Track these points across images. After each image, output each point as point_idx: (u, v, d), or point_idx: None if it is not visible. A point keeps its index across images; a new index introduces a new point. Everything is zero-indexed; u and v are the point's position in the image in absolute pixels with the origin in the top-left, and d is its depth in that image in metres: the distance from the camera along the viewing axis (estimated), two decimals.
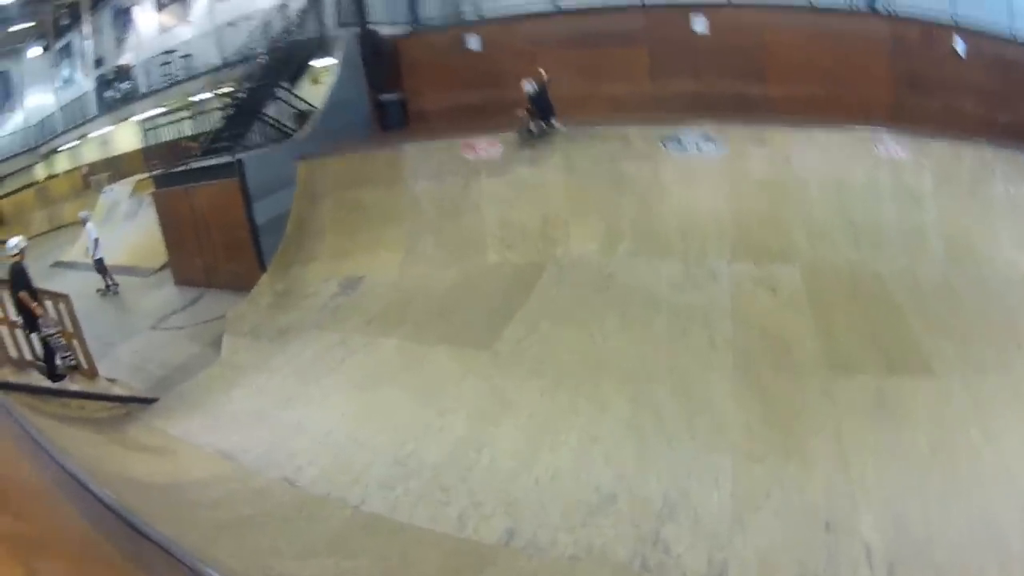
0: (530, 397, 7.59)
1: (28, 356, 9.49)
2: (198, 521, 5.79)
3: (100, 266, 15.04)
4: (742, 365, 7.53)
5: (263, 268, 12.03)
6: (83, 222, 15.71)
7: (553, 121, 11.83)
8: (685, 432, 6.68)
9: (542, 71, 11.97)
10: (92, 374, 9.92)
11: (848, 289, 8.81)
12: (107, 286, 15.02)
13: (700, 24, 14.17)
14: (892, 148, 10.42)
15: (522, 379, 7.94)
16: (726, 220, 10.22)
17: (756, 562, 5.25)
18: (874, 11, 13.92)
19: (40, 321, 9.29)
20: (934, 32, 13.31)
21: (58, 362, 9.59)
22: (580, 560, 5.49)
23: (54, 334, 9.46)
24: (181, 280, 14.05)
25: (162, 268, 15.11)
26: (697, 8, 14.20)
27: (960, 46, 13.15)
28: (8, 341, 9.22)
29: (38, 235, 25.55)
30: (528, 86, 11.81)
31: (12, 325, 9.34)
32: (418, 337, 9.10)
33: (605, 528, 5.73)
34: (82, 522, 3.31)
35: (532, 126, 11.78)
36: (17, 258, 9.37)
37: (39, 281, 9.95)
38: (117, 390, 9.88)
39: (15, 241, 9.55)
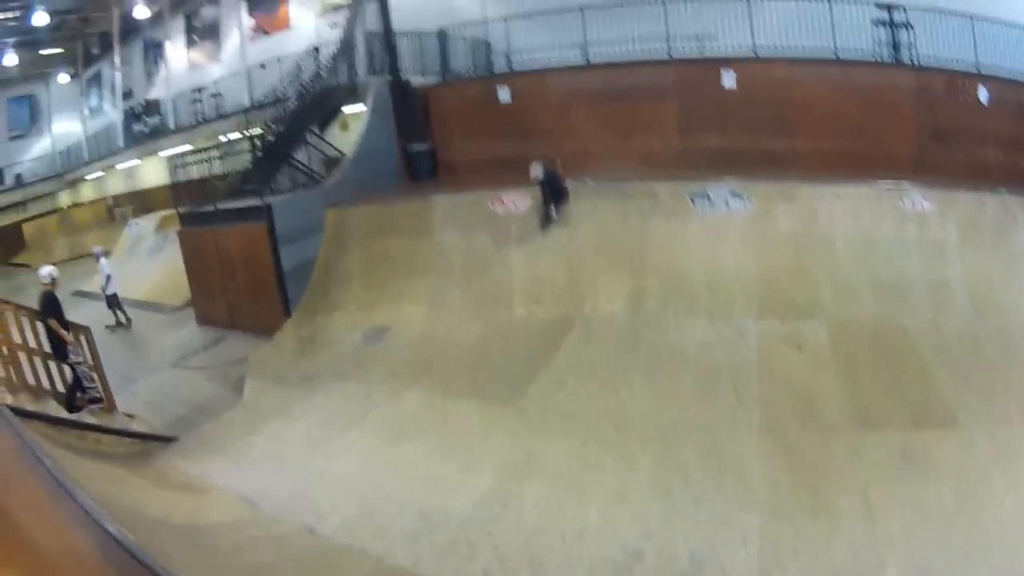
0: (556, 453, 7.60)
1: (47, 385, 9.57)
2: (217, 566, 5.80)
3: (113, 301, 15.23)
4: (769, 422, 7.54)
5: (288, 313, 12.15)
6: (97, 258, 15.97)
7: (560, 208, 11.54)
8: (712, 490, 6.67)
9: (558, 160, 11.90)
10: (110, 408, 9.97)
11: (873, 343, 8.81)
12: (117, 322, 15.19)
13: (730, 79, 14.33)
14: (917, 200, 10.44)
15: (549, 435, 7.96)
16: (753, 276, 10.26)
17: None
18: (899, 62, 14.05)
19: (69, 349, 9.45)
20: (958, 81, 13.40)
21: (79, 393, 9.71)
22: None
23: (81, 363, 9.60)
24: (203, 320, 14.17)
25: (184, 306, 15.26)
26: (726, 62, 14.35)
27: (984, 95, 13.23)
28: (27, 368, 9.27)
29: (60, 262, 25.86)
30: (535, 170, 11.55)
31: (32, 352, 9.42)
32: (444, 391, 9.13)
33: None
34: (96, 557, 3.30)
35: (547, 212, 11.55)
36: (49, 287, 9.55)
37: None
38: (135, 426, 9.90)
39: (48, 270, 9.78)
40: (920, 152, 13.26)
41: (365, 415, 8.99)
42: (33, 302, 11.21)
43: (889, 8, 14.16)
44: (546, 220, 11.42)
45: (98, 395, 9.89)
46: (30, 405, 8.67)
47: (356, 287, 11.98)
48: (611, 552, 6.08)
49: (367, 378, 9.80)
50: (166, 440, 9.53)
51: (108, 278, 15.09)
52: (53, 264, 12.52)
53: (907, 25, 14.08)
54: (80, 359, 9.65)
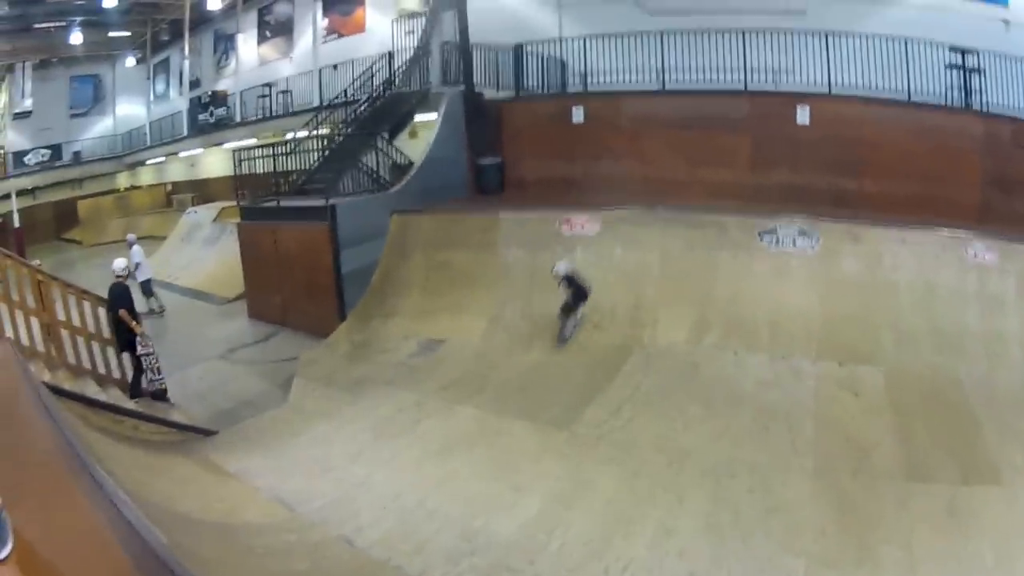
0: (607, 482, 7.51)
1: (101, 368, 9.81)
2: (249, 569, 5.83)
3: (146, 288, 15.52)
4: (820, 467, 7.42)
5: (342, 316, 12.31)
6: (129, 245, 16.21)
7: (577, 320, 10.72)
8: (761, 531, 6.53)
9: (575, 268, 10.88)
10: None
11: (929, 394, 8.66)
12: (150, 309, 15.50)
13: (804, 114, 14.22)
14: (979, 251, 10.24)
15: (600, 463, 7.88)
16: (814, 317, 10.18)
17: None
18: (969, 107, 13.84)
19: (138, 340, 9.73)
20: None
21: (144, 384, 9.91)
22: None
23: (150, 354, 9.85)
24: (255, 314, 14.42)
25: (237, 299, 15.53)
26: (801, 97, 14.26)
27: None
28: (70, 347, 9.51)
29: (111, 243, 26.60)
30: (561, 267, 10.64)
31: (77, 331, 9.66)
32: (496, 409, 9.12)
33: None
34: (120, 553, 3.24)
35: (567, 326, 10.66)
36: (122, 278, 9.81)
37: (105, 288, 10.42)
38: (176, 416, 10.02)
39: (122, 263, 10.05)
40: (984, 200, 13.03)
41: (414, 426, 9.00)
42: (81, 279, 11.54)
43: (963, 52, 13.99)
44: (561, 338, 10.60)
45: (163, 386, 10.17)
46: (68, 384, 8.84)
47: (415, 296, 12.08)
48: None
49: (419, 388, 9.83)
50: (206, 433, 9.64)
51: (138, 265, 15.30)
52: (101, 243, 12.90)
53: (979, 70, 13.90)
54: (149, 351, 9.92)
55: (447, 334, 11.11)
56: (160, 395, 10.23)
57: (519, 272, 11.58)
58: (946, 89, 14.08)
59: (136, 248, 15.93)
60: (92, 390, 9.22)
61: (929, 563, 6.00)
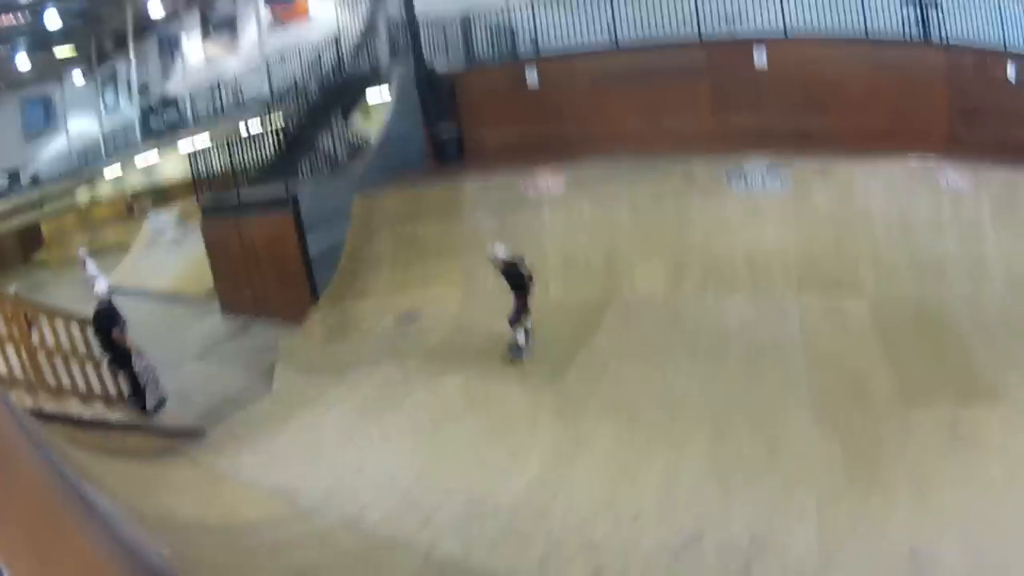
0: (605, 436, 7.35)
1: (100, 390, 9.44)
2: (258, 570, 5.56)
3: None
4: (818, 399, 7.31)
5: (316, 300, 11.96)
6: (81, 261, 15.28)
7: (523, 325, 9.24)
8: (766, 468, 6.44)
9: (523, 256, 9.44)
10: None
11: (915, 321, 8.62)
12: None
13: (761, 58, 14.01)
14: (951, 178, 10.23)
15: (595, 417, 7.71)
16: (792, 254, 10.08)
17: None
18: (928, 41, 13.71)
19: (133, 358, 9.39)
20: (987, 60, 13.11)
21: (148, 395, 9.62)
22: None
23: (147, 366, 9.57)
24: (228, 310, 14.02)
25: (208, 297, 15.09)
26: (759, 42, 14.01)
27: (1012, 73, 12.92)
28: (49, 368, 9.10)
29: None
30: (499, 250, 9.29)
31: (52, 352, 9.19)
32: (483, 374, 8.87)
33: (693, 569, 5.48)
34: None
35: (517, 337, 9.25)
36: (107, 301, 9.47)
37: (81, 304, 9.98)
38: (162, 421, 9.62)
39: (104, 285, 9.76)
40: (952, 130, 12.96)
41: (402, 401, 8.73)
42: (56, 300, 11.09)
43: None
44: (514, 351, 9.21)
45: (164, 396, 9.87)
46: (51, 405, 8.41)
47: (386, 272, 11.75)
48: (669, 535, 5.84)
49: (402, 363, 9.53)
50: (194, 434, 9.32)
51: (94, 278, 14.56)
52: (78, 259, 12.49)
53: (936, 3, 13.73)
54: (145, 363, 9.62)
55: (423, 306, 10.82)
56: (162, 404, 9.90)
57: (488, 237, 11.00)
58: (904, 24, 13.88)
59: (89, 262, 15.19)
60: (76, 409, 8.73)
61: (940, 486, 5.91)
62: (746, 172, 10.92)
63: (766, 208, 10.60)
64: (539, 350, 9.10)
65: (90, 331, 9.51)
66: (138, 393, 9.56)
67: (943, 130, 12.95)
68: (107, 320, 9.36)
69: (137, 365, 9.51)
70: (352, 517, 6.65)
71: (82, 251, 15.73)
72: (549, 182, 11.35)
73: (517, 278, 9.18)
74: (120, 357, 9.44)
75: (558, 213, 11.13)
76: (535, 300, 9.28)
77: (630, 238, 10.75)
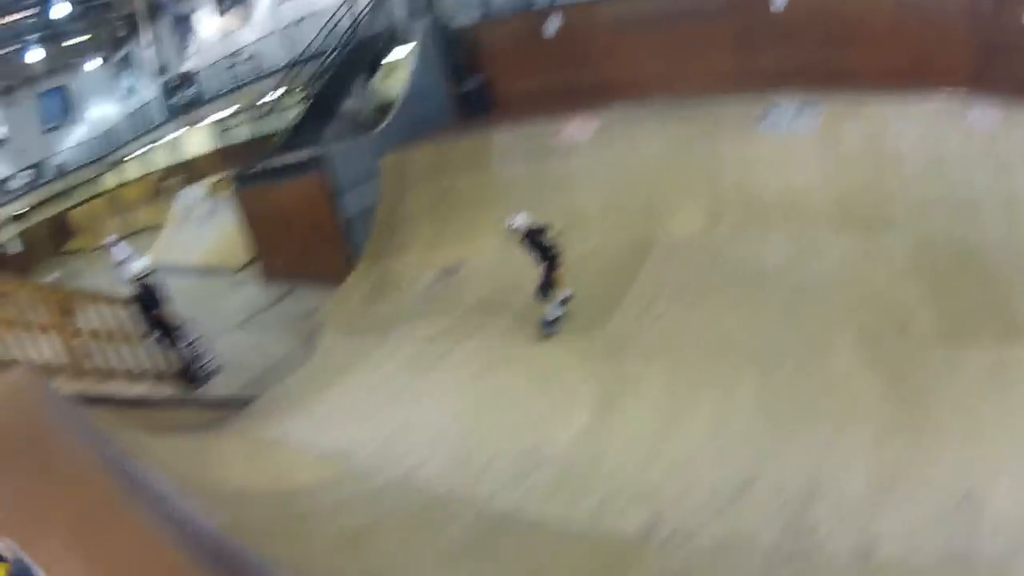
0: (652, 380, 7.25)
1: (157, 369, 9.57)
2: (313, 535, 5.59)
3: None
4: (863, 339, 7.12)
5: (353, 261, 11.93)
6: (111, 247, 14.95)
7: (553, 299, 8.65)
8: (816, 409, 6.32)
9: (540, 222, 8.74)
10: (182, 379, 9.86)
11: (953, 259, 8.35)
12: None
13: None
14: (980, 117, 9.82)
15: (642, 361, 7.61)
16: (826, 192, 9.79)
17: (901, 541, 4.92)
18: None
19: (177, 333, 9.52)
20: None
21: (198, 367, 9.86)
22: (727, 550, 5.16)
23: (193, 342, 9.73)
24: (267, 278, 14.02)
25: (245, 267, 15.10)
26: None
27: None
28: (106, 356, 9.16)
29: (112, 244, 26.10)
30: (520, 220, 8.57)
31: (95, 335, 9.28)
32: (527, 323, 8.76)
33: (747, 513, 5.41)
34: (174, 551, 3.01)
35: (549, 311, 8.67)
36: (146, 280, 9.50)
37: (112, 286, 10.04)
38: (208, 394, 9.79)
39: (140, 265, 9.77)
40: (976, 68, 12.47)
41: (448, 355, 8.71)
42: (91, 286, 11.15)
43: None
44: (546, 325, 8.65)
45: (213, 368, 10.07)
46: (97, 389, 8.53)
47: (422, 227, 11.65)
48: (722, 479, 5.79)
49: (445, 317, 9.50)
50: (241, 404, 9.37)
51: (125, 260, 14.17)
52: (100, 245, 12.47)
53: None
54: (193, 336, 9.80)
55: (462, 259, 10.72)
56: (214, 374, 10.08)
57: (523, 185, 11.10)
58: None
59: (118, 247, 15.01)
60: (122, 389, 8.87)
61: (990, 426, 5.76)
62: (775, 111, 10.65)
63: (798, 147, 10.29)
64: (582, 297, 8.93)
65: (132, 311, 9.56)
66: (188, 367, 9.70)
67: (967, 68, 12.50)
68: (149, 299, 9.40)
69: (184, 339, 9.61)
70: (404, 475, 6.69)
71: (110, 238, 15.46)
72: (578, 129, 11.13)
73: (543, 248, 8.50)
74: (167, 333, 9.50)
75: (590, 159, 10.91)
76: (564, 270, 8.55)
77: (664, 181, 10.49)
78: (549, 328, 8.61)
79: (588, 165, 10.85)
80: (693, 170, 10.51)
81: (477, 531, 5.78)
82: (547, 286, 8.58)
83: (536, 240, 8.53)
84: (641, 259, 9.48)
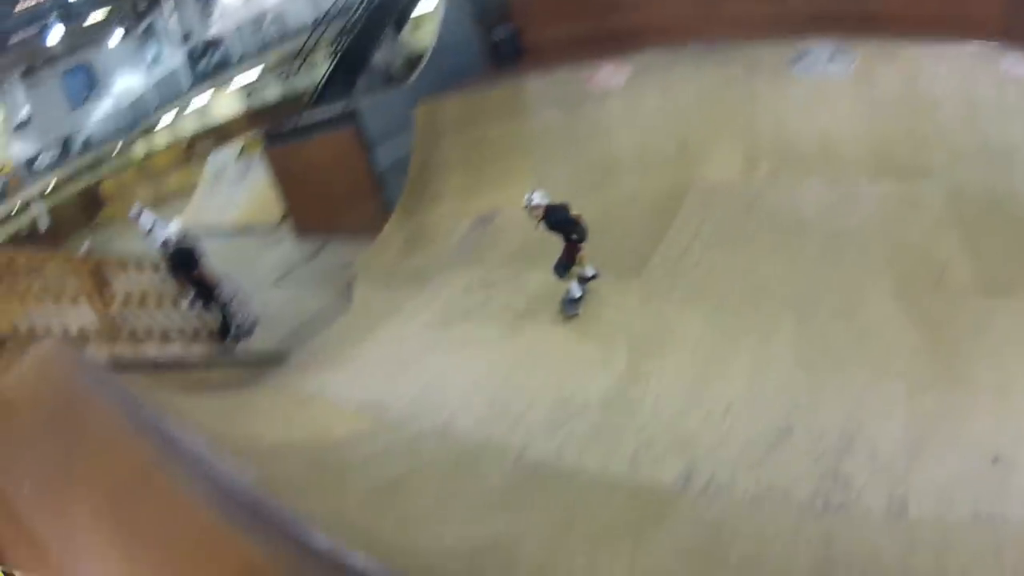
0: (690, 326, 7.13)
1: (191, 330, 9.68)
2: (348, 486, 5.59)
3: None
4: (900, 288, 6.93)
5: (388, 213, 11.83)
6: (134, 218, 14.32)
7: (574, 276, 7.91)
8: (853, 358, 6.17)
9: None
10: (215, 338, 9.93)
11: (990, 209, 8.03)
12: None
13: None
14: (1013, 66, 9.38)
15: (680, 306, 7.48)
16: (862, 139, 9.44)
17: (933, 498, 4.81)
18: None
19: (218, 289, 9.62)
20: None
21: (238, 323, 9.93)
22: (762, 501, 5.10)
23: (232, 300, 9.82)
24: (301, 234, 14.05)
25: (279, 224, 15.14)
26: None
27: None
28: (138, 320, 9.28)
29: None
30: (537, 197, 7.76)
31: (128, 300, 9.40)
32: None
33: (784, 465, 5.33)
34: (208, 514, 2.96)
35: (571, 289, 7.95)
36: (181, 243, 9.63)
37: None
38: (243, 352, 9.85)
39: (174, 228, 9.86)
40: (1006, 18, 11.97)
41: (484, 303, 8.64)
42: (124, 253, 11.20)
43: None
44: (568, 305, 7.95)
45: (253, 322, 10.16)
46: (130, 353, 8.66)
47: (457, 178, 11.48)
48: (760, 429, 5.70)
49: (481, 265, 9.40)
50: (277, 359, 9.40)
51: (152, 228, 13.78)
52: (131, 217, 12.56)
53: None
54: (230, 291, 9.89)
55: (497, 208, 10.50)
56: (253, 328, 10.15)
57: (556, 132, 10.86)
58: None
59: (144, 215, 14.75)
60: (157, 352, 9.02)
61: (1021, 381, 5.55)
62: (810, 56, 10.29)
63: (833, 92, 9.94)
64: (619, 243, 8.77)
65: (166, 273, 9.64)
66: (227, 325, 9.78)
67: (997, 18, 12.03)
68: (186, 259, 9.45)
69: (222, 296, 9.67)
70: (441, 425, 6.67)
71: (134, 210, 15.09)
72: (611, 75, 10.86)
73: (565, 225, 7.70)
74: (204, 293, 9.53)
75: (623, 105, 10.62)
76: (586, 249, 7.79)
77: (699, 126, 10.20)
78: (570, 309, 7.88)
79: (622, 111, 10.58)
80: (728, 115, 10.20)
81: (513, 480, 5.77)
82: (566, 263, 7.82)
83: (556, 220, 7.73)
84: (677, 205, 9.24)
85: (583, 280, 8.00)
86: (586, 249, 7.82)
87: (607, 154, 10.27)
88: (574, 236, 7.71)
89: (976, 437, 5.14)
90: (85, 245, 13.60)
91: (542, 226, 7.79)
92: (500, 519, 5.22)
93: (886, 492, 4.90)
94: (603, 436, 6.06)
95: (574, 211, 7.85)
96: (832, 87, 10.06)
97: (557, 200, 7.83)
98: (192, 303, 9.68)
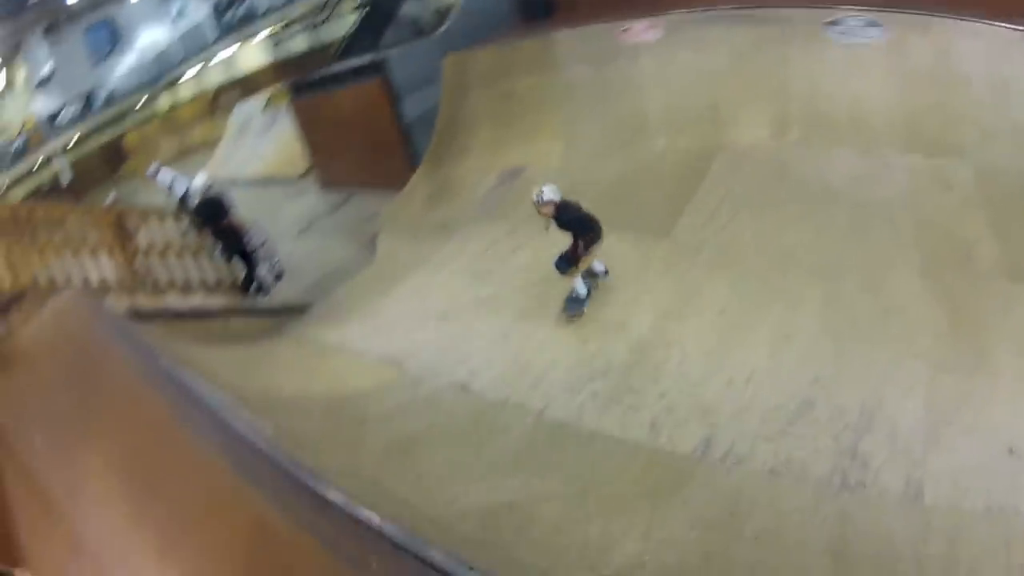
0: (716, 290, 6.99)
1: (213, 281, 9.69)
2: (365, 441, 5.54)
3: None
4: (926, 266, 6.74)
5: (414, 165, 11.70)
6: (152, 175, 13.99)
7: (580, 272, 7.23)
8: (877, 334, 6.00)
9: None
10: (236, 288, 9.98)
11: (1018, 193, 7.72)
12: None
13: None
14: None
15: (706, 270, 7.33)
16: (894, 111, 9.13)
17: (949, 484, 4.67)
18: None
19: (246, 239, 9.67)
20: None
21: (264, 272, 9.98)
22: (781, 475, 4.99)
23: (259, 249, 9.84)
24: (326, 185, 13.97)
25: (304, 176, 15.07)
26: None
27: None
28: (159, 270, 9.28)
29: (166, 163, 26.12)
30: (548, 192, 6.99)
31: (149, 250, 9.41)
32: None
33: (804, 439, 5.21)
34: (220, 464, 2.94)
35: (576, 287, 7.27)
36: (210, 193, 9.68)
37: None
38: (263, 302, 9.83)
39: (202, 179, 9.87)
40: None
41: (510, 257, 8.52)
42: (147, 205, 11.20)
43: None
44: (572, 304, 7.25)
45: (281, 269, 10.25)
46: (148, 303, 8.64)
47: (485, 131, 11.29)
48: (781, 400, 5.56)
49: (508, 218, 9.24)
50: (298, 310, 9.34)
51: (172, 183, 13.69)
52: (148, 174, 12.58)
53: None
54: (261, 240, 9.95)
55: (525, 161, 10.37)
56: (280, 276, 10.23)
57: (587, 88, 10.61)
58: None
59: (163, 172, 14.61)
60: (176, 302, 8.99)
61: None
62: (844, 23, 9.91)
63: (866, 62, 9.58)
64: (645, 203, 8.66)
65: (190, 224, 9.68)
66: (251, 276, 9.84)
67: None
68: (215, 209, 9.45)
69: (250, 245, 9.66)
70: (462, 381, 6.57)
71: (153, 166, 14.82)
72: (644, 32, 10.60)
73: (579, 224, 7.04)
74: (231, 243, 9.50)
75: (656, 62, 10.33)
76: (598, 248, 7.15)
77: (731, 87, 9.93)
78: (573, 308, 7.16)
79: (653, 69, 10.31)
80: (760, 78, 9.90)
81: (531, 441, 5.70)
82: (570, 259, 7.11)
83: (569, 219, 7.03)
84: (706, 166, 9.04)
85: (591, 276, 7.36)
86: (597, 251, 7.11)
87: (637, 112, 10.05)
88: (589, 236, 7.01)
89: (993, 426, 5.02)
90: (111, 196, 13.60)
91: (552, 225, 7.04)
92: (517, 480, 5.18)
93: (903, 475, 4.79)
94: (624, 398, 5.98)
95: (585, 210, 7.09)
96: (865, 56, 9.72)
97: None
98: (221, 253, 9.69)
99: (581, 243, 6.99)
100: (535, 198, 6.97)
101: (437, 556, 2.32)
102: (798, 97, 9.68)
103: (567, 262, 7.11)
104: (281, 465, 2.86)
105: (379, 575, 2.32)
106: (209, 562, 2.26)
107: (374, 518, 2.64)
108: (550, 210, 6.97)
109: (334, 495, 2.74)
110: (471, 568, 2.35)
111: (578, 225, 7.01)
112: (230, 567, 2.24)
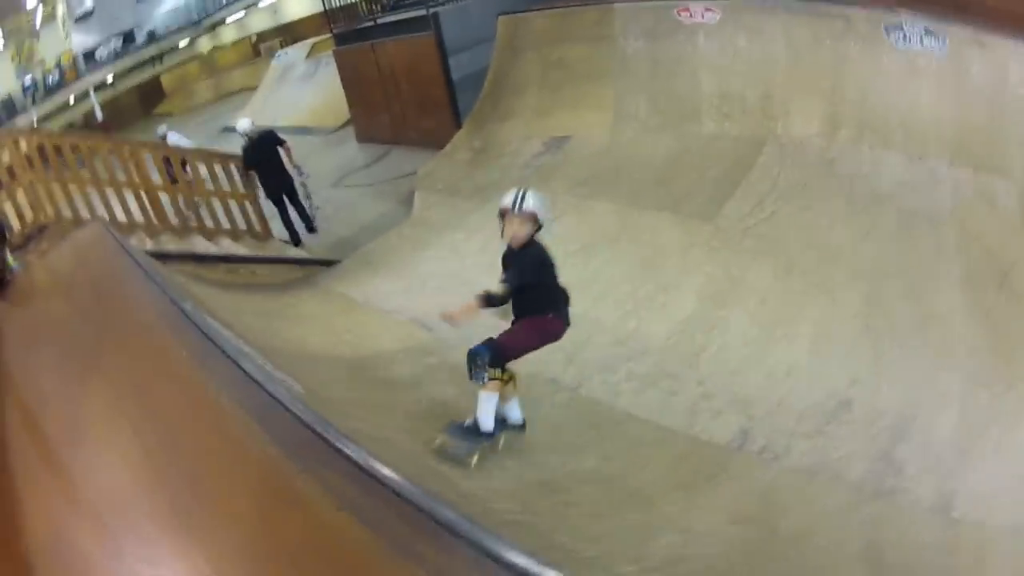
0: (759, 279, 6.62)
1: (243, 226, 9.35)
2: (394, 407, 5.17)
3: None
4: (967, 279, 6.36)
5: (457, 125, 11.24)
6: (161, 138, 12.73)
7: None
8: (917, 341, 5.66)
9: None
10: (264, 236, 9.47)
11: None
12: None
13: None
14: None
15: (750, 258, 6.94)
16: (945, 122, 8.54)
17: (977, 499, 4.37)
18: None
19: (295, 179, 9.48)
20: None
21: (309, 210, 9.76)
22: (816, 475, 4.69)
23: (303, 195, 9.62)
24: (364, 138, 13.55)
25: (342, 127, 14.63)
26: None
27: None
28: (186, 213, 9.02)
29: (204, 104, 25.76)
30: (532, 200, 4.70)
31: (178, 191, 9.14)
32: (635, 203, 8.09)
33: (840, 440, 4.91)
34: (235, 412, 2.61)
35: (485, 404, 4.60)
36: (250, 137, 9.22)
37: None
38: (292, 252, 9.41)
39: (246, 123, 9.44)
40: None
41: (550, 225, 8.07)
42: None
43: None
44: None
45: (315, 224, 9.97)
46: (172, 245, 8.33)
47: (532, 96, 10.76)
48: (820, 398, 5.25)
49: (549, 187, 8.72)
50: (328, 264, 8.97)
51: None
52: (193, 107, 12.07)
53: None
54: (304, 177, 9.68)
55: (571, 131, 9.91)
56: (313, 230, 10.03)
57: (639, 63, 10.07)
58: None
59: (171, 135, 13.85)
60: (204, 246, 8.66)
61: None
62: (906, 26, 9.43)
63: (923, 70, 9.00)
64: (693, 185, 8.24)
65: (232, 167, 9.24)
66: (304, 219, 9.63)
67: None
68: (271, 141, 9.18)
69: (298, 192, 9.45)
70: None
71: (161, 128, 14.00)
72: (704, 10, 10.09)
73: (538, 277, 4.66)
74: (279, 184, 9.24)
75: (712, 43, 9.82)
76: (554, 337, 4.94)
77: (786, 78, 9.42)
78: (462, 445, 4.54)
79: (709, 51, 9.78)
80: (817, 72, 9.37)
81: (566, 417, 5.42)
82: (500, 351, 4.53)
83: (531, 263, 4.64)
84: (755, 154, 8.60)
85: (501, 422, 4.69)
86: (548, 343, 4.69)
87: (689, 93, 9.55)
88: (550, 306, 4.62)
89: (1022, 446, 4.71)
90: (162, 128, 13.11)
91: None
92: (555, 457, 4.86)
93: (935, 485, 4.49)
94: (661, 382, 5.67)
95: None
96: (922, 63, 9.18)
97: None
98: (268, 196, 9.39)
99: (529, 324, 4.58)
100: (510, 200, 4.62)
101: (519, 560, 1.99)
102: (851, 96, 9.16)
103: (493, 355, 4.42)
104: (301, 417, 2.59)
105: (428, 561, 2.00)
106: (232, 536, 1.86)
107: (391, 473, 2.32)
108: (525, 228, 4.61)
109: (353, 450, 2.42)
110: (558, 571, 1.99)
111: (538, 284, 4.57)
112: (269, 547, 1.85)
